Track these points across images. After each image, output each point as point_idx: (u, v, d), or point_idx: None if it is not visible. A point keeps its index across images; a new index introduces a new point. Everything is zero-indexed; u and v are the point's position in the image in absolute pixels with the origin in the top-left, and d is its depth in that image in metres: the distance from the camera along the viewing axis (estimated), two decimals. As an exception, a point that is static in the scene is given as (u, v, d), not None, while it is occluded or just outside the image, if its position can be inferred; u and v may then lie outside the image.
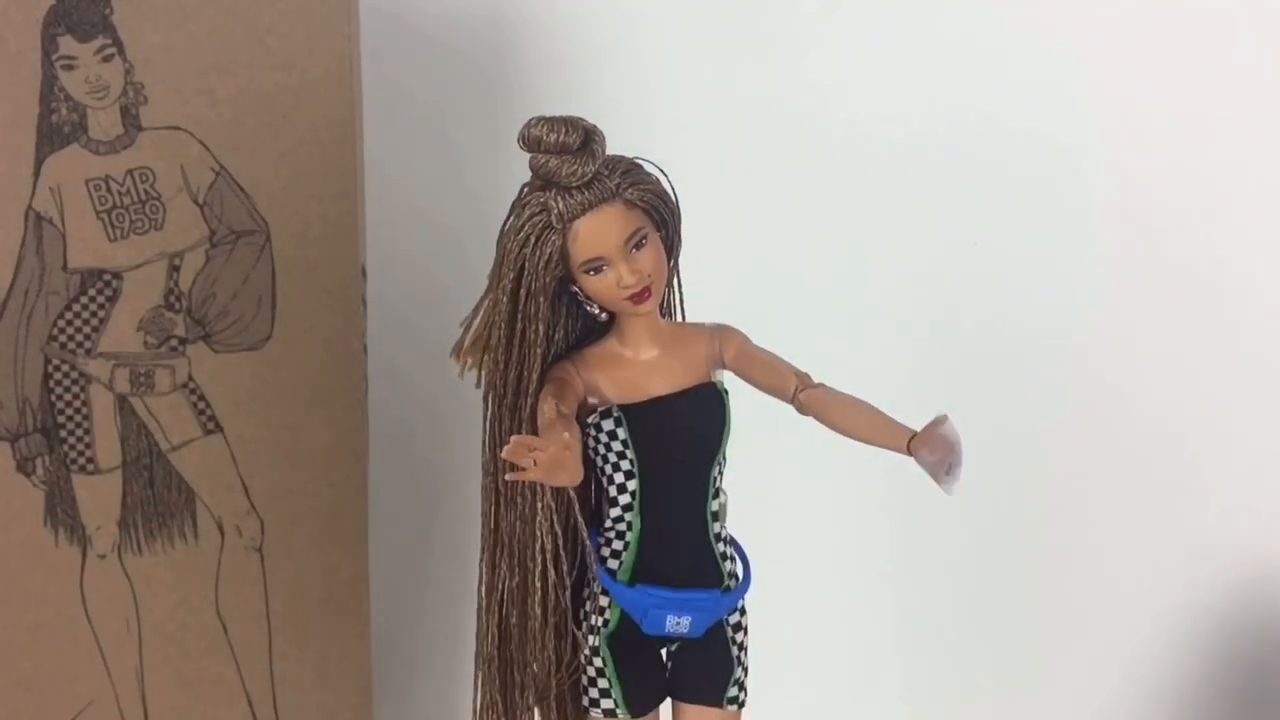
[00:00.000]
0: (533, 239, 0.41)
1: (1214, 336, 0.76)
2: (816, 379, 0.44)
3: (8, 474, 0.57)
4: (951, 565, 0.79)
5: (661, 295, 0.43)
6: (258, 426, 0.60)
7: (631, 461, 0.43)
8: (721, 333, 0.45)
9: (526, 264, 0.41)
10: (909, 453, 0.40)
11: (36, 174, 0.55)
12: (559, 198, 0.40)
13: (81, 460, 0.58)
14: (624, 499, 0.43)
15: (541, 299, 0.42)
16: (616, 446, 0.43)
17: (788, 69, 0.72)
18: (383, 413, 0.65)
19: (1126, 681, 0.82)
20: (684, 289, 0.47)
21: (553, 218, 0.40)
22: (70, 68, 0.54)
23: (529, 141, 0.40)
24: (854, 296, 0.75)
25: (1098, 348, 0.76)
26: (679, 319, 0.47)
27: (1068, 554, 0.79)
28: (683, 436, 0.43)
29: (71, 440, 0.58)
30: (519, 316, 0.42)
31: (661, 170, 0.42)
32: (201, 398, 0.59)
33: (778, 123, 0.73)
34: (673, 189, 0.43)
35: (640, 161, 0.42)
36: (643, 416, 0.43)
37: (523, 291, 0.42)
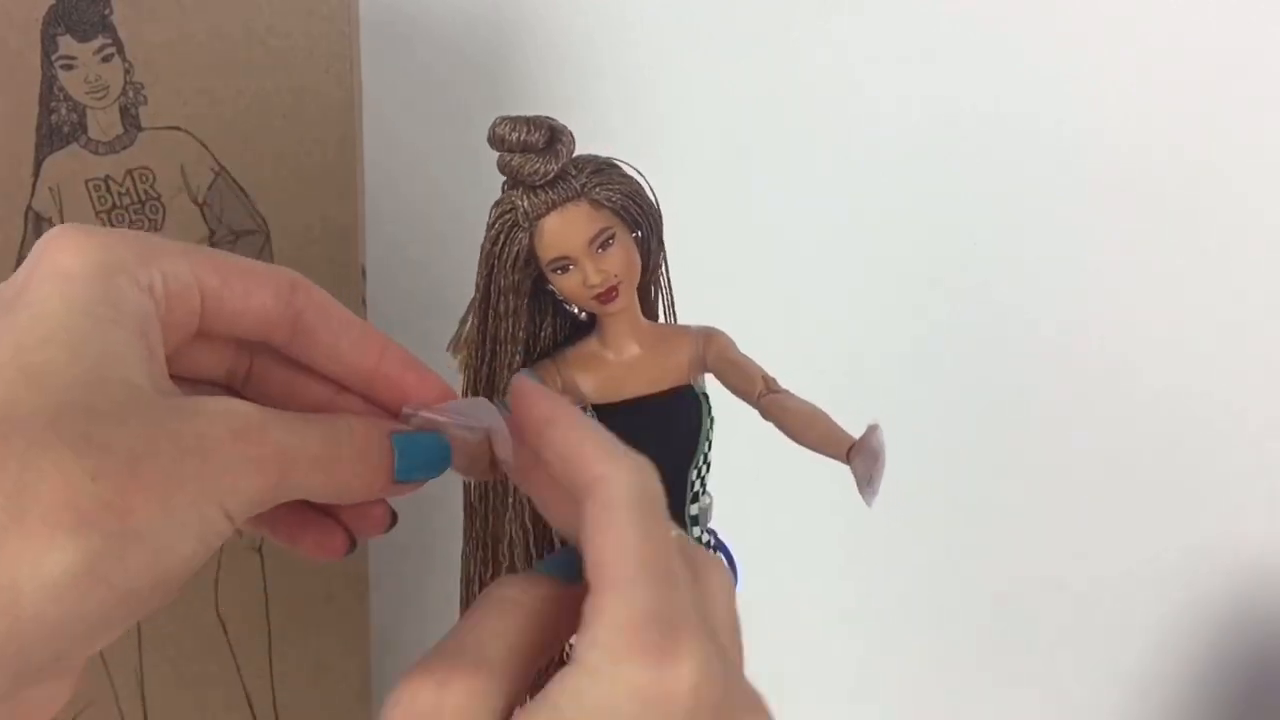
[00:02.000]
0: (501, 237, 0.41)
1: (1218, 333, 0.76)
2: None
3: (7, 474, 0.57)
4: (948, 565, 0.79)
5: (631, 296, 0.42)
6: (258, 426, 0.60)
7: None
8: (706, 335, 0.44)
9: (496, 262, 0.42)
10: (847, 462, 0.40)
11: (36, 174, 0.55)
12: (525, 196, 0.40)
13: (81, 460, 0.58)
14: None
15: (511, 296, 0.42)
16: None
17: (790, 68, 0.72)
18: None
19: (1126, 679, 0.82)
20: (684, 289, 0.47)
21: (519, 216, 0.41)
22: (70, 68, 0.54)
23: (494, 140, 0.40)
24: (855, 295, 0.75)
25: (1098, 344, 0.76)
26: (670, 321, 0.47)
27: (1067, 552, 0.79)
28: (656, 439, 0.42)
29: (71, 440, 0.58)
30: (490, 314, 0.42)
31: (638, 171, 0.42)
32: (201, 398, 0.59)
33: (780, 121, 0.73)
34: (652, 190, 0.43)
35: (616, 162, 0.42)
36: (615, 417, 0.43)
37: (493, 289, 0.42)
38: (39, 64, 0.54)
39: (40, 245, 0.27)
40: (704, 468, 0.44)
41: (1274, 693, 0.81)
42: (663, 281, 0.46)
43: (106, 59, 0.55)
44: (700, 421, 0.43)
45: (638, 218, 0.42)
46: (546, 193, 0.40)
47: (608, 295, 0.41)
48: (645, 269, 0.44)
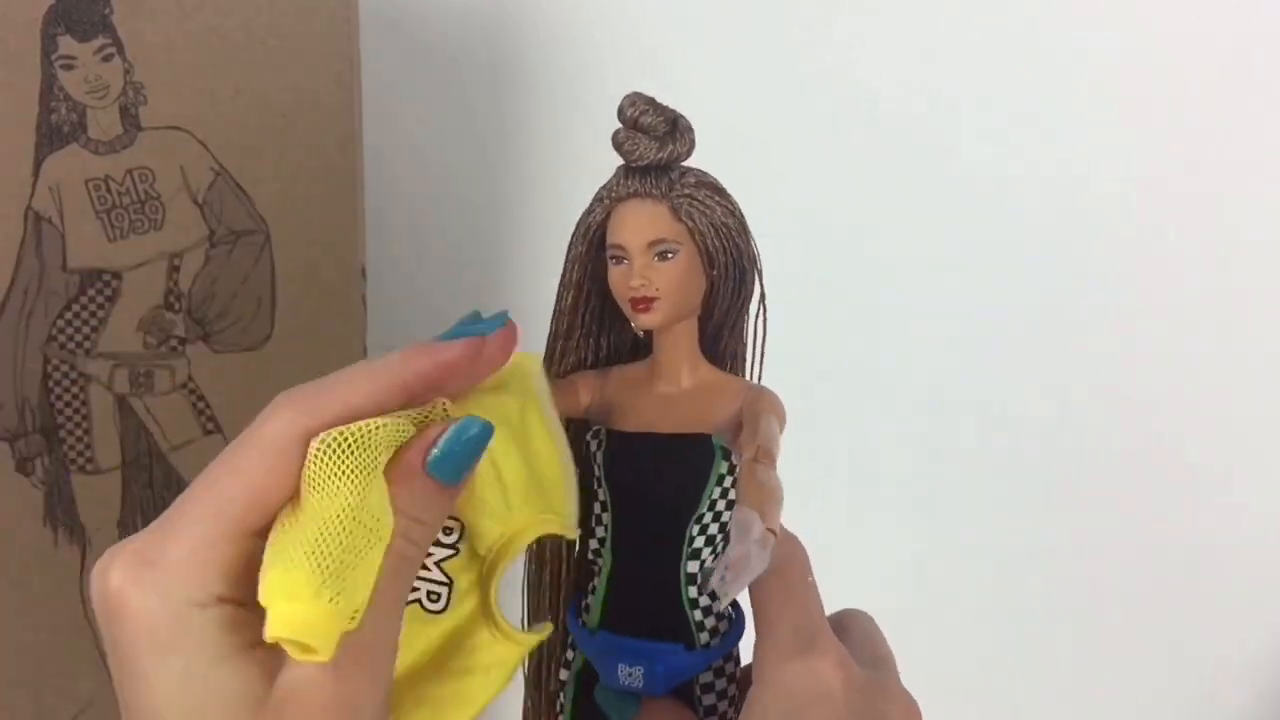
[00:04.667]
0: (591, 206, 0.41)
1: (1218, 338, 0.76)
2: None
3: (7, 474, 0.57)
4: (950, 572, 0.79)
5: (670, 319, 0.40)
6: (258, 426, 0.60)
7: (606, 492, 0.40)
8: (756, 393, 0.41)
9: (575, 230, 0.41)
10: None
11: (36, 174, 0.55)
12: (620, 176, 0.40)
13: (81, 460, 0.58)
14: (599, 530, 0.41)
15: (575, 267, 0.41)
16: (596, 471, 0.41)
17: (794, 65, 0.72)
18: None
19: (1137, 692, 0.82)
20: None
21: (605, 191, 0.40)
22: (70, 67, 0.54)
23: (618, 113, 0.40)
24: (871, 298, 0.75)
25: (1114, 349, 0.76)
26: (751, 378, 0.43)
27: (1080, 564, 0.79)
28: (654, 482, 0.40)
29: (71, 440, 0.58)
30: (560, 280, 0.42)
31: (741, 220, 0.41)
32: (201, 398, 0.59)
33: (785, 119, 0.72)
34: (753, 242, 0.41)
35: (731, 202, 0.41)
36: (620, 446, 0.40)
37: (568, 255, 0.42)
38: (39, 64, 0.54)
39: (109, 602, 0.30)
40: (709, 524, 0.40)
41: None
42: (747, 336, 0.43)
43: (106, 59, 0.55)
44: (707, 473, 0.39)
45: (714, 253, 0.40)
46: (639, 180, 0.39)
47: (643, 304, 0.39)
48: (711, 309, 0.41)
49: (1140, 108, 0.72)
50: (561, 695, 0.41)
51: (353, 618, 0.28)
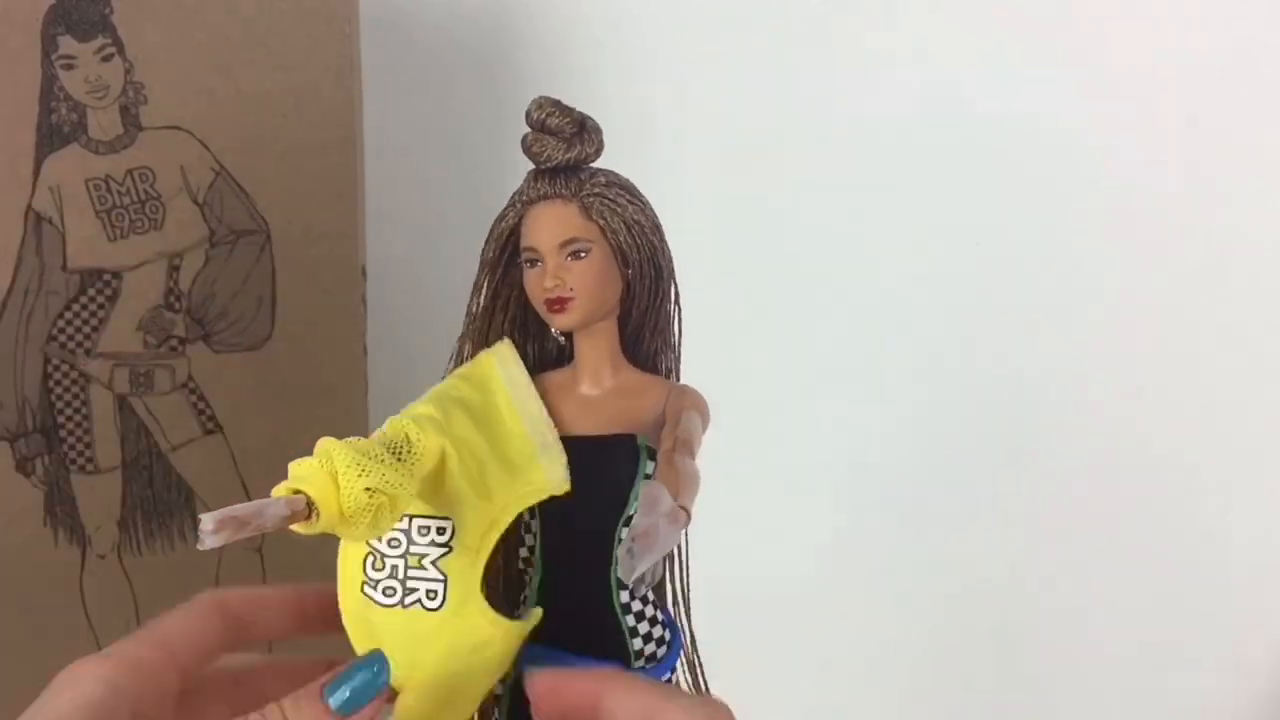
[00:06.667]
0: (503, 211, 0.41)
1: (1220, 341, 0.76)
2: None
3: (8, 474, 0.57)
4: (937, 578, 0.79)
5: (587, 320, 0.40)
6: (258, 426, 0.60)
7: None
8: (678, 391, 0.41)
9: (488, 235, 0.41)
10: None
11: (36, 174, 0.55)
12: (530, 179, 0.40)
13: (81, 460, 0.58)
14: (529, 539, 0.40)
15: (485, 270, 0.41)
16: None
17: (795, 68, 0.72)
18: (383, 413, 0.64)
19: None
20: (683, 291, 0.45)
21: (516, 196, 0.40)
22: (70, 67, 0.54)
23: (525, 116, 0.39)
24: (860, 298, 0.75)
25: (1106, 355, 0.76)
26: (668, 375, 0.44)
27: (1071, 573, 0.79)
28: (580, 485, 0.39)
29: (71, 440, 0.58)
30: (473, 285, 0.42)
31: (654, 218, 0.41)
32: (201, 398, 0.59)
33: (785, 120, 0.72)
34: (664, 242, 0.41)
35: (643, 200, 0.41)
36: None
37: (480, 260, 0.41)
38: (39, 64, 0.54)
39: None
40: None
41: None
42: (671, 332, 0.43)
43: (106, 59, 0.55)
44: (632, 474, 0.39)
45: (628, 251, 0.40)
46: (547, 182, 0.39)
47: (557, 304, 0.39)
48: (629, 308, 0.41)
49: (1140, 103, 0.72)
50: (497, 710, 0.40)
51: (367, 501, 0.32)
